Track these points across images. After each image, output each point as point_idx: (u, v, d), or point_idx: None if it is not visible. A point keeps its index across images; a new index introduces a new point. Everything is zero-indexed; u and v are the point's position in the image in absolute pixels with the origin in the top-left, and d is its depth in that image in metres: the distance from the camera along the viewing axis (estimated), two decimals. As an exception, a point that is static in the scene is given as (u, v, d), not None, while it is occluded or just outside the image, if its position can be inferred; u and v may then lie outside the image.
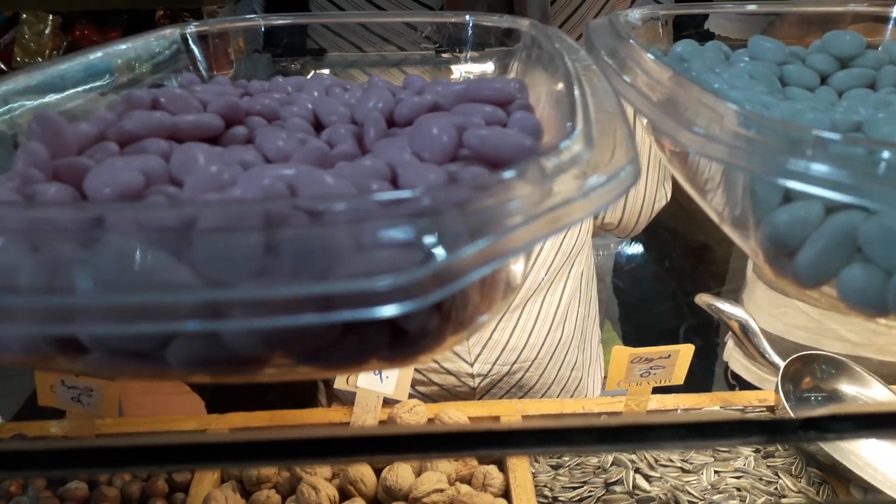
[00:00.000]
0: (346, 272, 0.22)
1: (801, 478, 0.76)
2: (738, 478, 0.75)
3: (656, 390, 0.78)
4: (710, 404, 0.85)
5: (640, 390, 0.77)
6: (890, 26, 0.56)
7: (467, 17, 0.58)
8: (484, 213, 0.23)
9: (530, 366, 0.97)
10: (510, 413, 0.84)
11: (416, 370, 0.93)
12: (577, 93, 0.35)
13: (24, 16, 1.54)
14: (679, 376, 0.76)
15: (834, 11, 0.57)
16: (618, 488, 0.73)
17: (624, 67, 0.42)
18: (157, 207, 0.27)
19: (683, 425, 0.29)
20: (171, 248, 0.22)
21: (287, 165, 0.31)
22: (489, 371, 0.95)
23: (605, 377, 0.94)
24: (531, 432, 0.29)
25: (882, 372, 0.84)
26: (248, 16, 0.62)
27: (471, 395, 0.96)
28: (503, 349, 0.95)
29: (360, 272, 0.22)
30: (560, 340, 0.98)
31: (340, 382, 0.83)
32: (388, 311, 0.22)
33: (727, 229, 0.40)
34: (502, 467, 0.76)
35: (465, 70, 0.59)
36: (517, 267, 0.33)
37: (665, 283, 1.60)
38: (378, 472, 0.74)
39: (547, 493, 0.74)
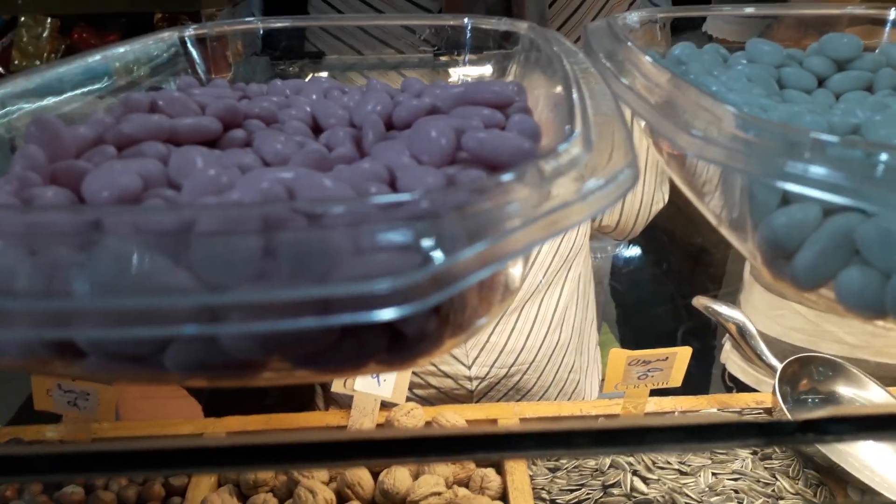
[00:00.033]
0: (344, 275, 0.22)
1: (798, 479, 0.76)
2: (735, 480, 0.75)
3: (654, 393, 0.78)
4: (707, 406, 0.85)
5: (637, 393, 0.77)
6: (887, 29, 0.56)
7: (465, 20, 0.58)
8: (482, 216, 0.23)
9: (528, 368, 0.97)
10: (508, 416, 0.84)
11: (413, 373, 0.92)
12: (575, 95, 0.35)
13: (23, 19, 1.54)
14: (676, 378, 0.76)
15: (831, 14, 0.57)
16: (615, 491, 0.73)
17: (622, 70, 0.42)
18: (155, 211, 0.27)
19: (681, 427, 0.29)
20: (169, 252, 0.22)
21: (285, 168, 0.31)
22: (487, 374, 0.95)
23: (603, 380, 0.95)
24: (529, 435, 0.29)
25: (879, 374, 0.84)
26: (246, 19, 0.62)
27: (468, 398, 0.96)
28: (501, 352, 0.95)
29: (358, 275, 0.22)
30: (557, 343, 0.98)
31: (338, 386, 0.82)
32: (387, 314, 0.22)
33: (725, 232, 0.40)
34: (500, 470, 0.76)
35: (464, 73, 0.59)
36: (515, 270, 0.33)
37: (662, 286, 1.60)
38: (375, 475, 0.74)
39: (545, 495, 0.74)
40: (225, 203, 0.28)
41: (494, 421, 0.84)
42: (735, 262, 1.30)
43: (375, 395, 0.80)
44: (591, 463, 0.77)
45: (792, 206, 0.34)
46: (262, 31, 0.60)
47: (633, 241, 1.38)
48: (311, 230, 0.23)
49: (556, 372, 0.99)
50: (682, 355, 0.75)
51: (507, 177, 0.25)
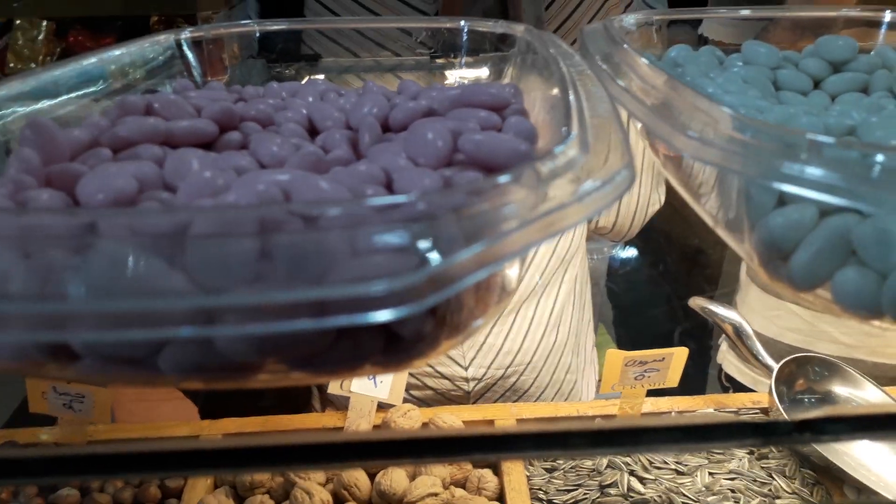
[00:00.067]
0: (340, 277, 0.22)
1: (794, 479, 0.76)
2: (732, 479, 0.75)
3: (650, 393, 0.78)
4: (704, 407, 0.85)
5: (634, 393, 0.77)
6: (882, 31, 0.56)
7: (462, 23, 0.58)
8: (479, 218, 0.23)
9: (525, 369, 0.97)
10: (505, 417, 0.84)
11: (410, 374, 0.92)
12: (571, 97, 0.35)
13: (18, 21, 1.54)
14: (673, 379, 0.76)
15: (827, 16, 0.57)
16: (612, 491, 0.73)
17: (618, 72, 0.42)
18: (150, 213, 0.26)
19: (678, 428, 0.29)
20: (165, 254, 0.22)
21: (281, 171, 0.31)
22: (484, 375, 0.95)
23: (600, 380, 0.95)
24: (526, 436, 0.29)
25: (875, 374, 0.85)
26: (242, 22, 0.62)
27: (465, 399, 0.96)
28: (498, 353, 0.95)
29: (354, 277, 0.22)
30: (554, 344, 0.98)
31: (334, 387, 0.82)
32: (383, 315, 0.22)
33: (721, 233, 0.40)
34: (497, 471, 0.76)
35: (460, 75, 0.59)
36: (512, 271, 0.33)
37: (659, 287, 1.60)
38: (372, 476, 0.74)
39: (542, 496, 0.74)
40: (221, 205, 0.28)
41: (491, 422, 0.84)
42: (731, 262, 1.30)
43: (372, 396, 0.80)
44: (588, 463, 0.77)
45: (788, 207, 0.34)
46: (258, 34, 0.60)
47: (629, 243, 1.38)
48: (308, 232, 0.23)
49: (553, 373, 0.99)
50: (679, 356, 0.75)
51: (503, 178, 0.25)
